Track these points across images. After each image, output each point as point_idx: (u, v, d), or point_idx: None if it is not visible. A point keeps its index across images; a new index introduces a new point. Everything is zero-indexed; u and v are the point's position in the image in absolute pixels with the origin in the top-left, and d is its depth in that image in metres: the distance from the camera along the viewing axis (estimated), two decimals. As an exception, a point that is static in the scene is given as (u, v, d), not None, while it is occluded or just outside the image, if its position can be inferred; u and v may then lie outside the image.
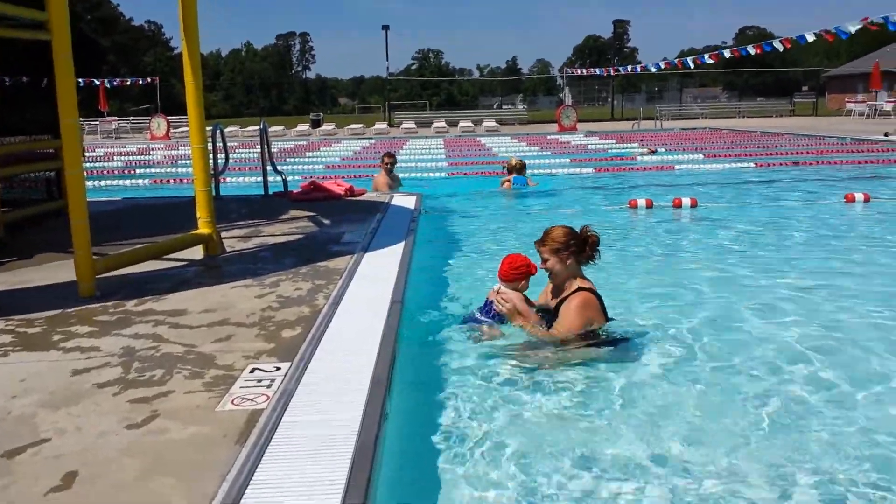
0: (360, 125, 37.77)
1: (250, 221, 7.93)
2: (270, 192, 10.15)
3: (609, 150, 20.40)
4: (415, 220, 7.75)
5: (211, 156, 8.78)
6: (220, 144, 10.00)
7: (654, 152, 18.15)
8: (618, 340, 4.35)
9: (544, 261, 4.32)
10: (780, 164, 15.50)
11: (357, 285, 5.02)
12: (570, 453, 3.14)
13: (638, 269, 6.63)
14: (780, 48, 23.32)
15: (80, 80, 33.58)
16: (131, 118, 44.96)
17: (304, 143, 27.33)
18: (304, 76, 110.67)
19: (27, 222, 7.47)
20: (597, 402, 3.66)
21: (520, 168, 11.75)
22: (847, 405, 3.63)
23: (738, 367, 4.15)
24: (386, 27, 43.65)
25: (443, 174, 15.51)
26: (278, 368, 3.43)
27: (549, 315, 4.39)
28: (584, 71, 55.10)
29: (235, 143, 23.12)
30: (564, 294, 4.27)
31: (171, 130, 34.28)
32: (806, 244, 7.75)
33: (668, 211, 9.72)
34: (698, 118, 40.88)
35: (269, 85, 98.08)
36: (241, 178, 14.68)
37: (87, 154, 18.45)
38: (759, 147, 19.79)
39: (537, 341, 4.25)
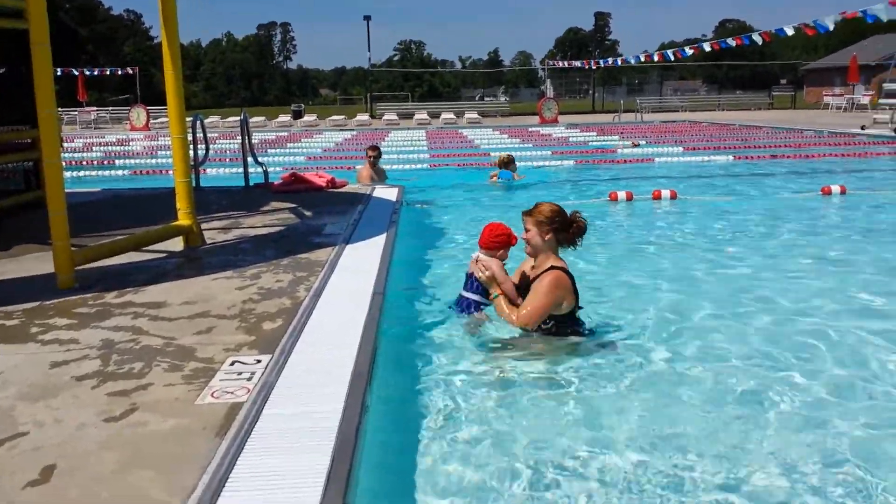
0: (342, 116, 37.53)
1: (231, 213, 7.88)
2: (251, 183, 10.08)
3: (590, 143, 20.46)
4: (396, 212, 7.75)
5: (191, 146, 8.74)
6: (200, 135, 9.93)
7: (637, 145, 18.24)
8: (597, 330, 4.41)
9: (526, 230, 4.36)
10: (759, 157, 15.66)
11: (338, 277, 5.02)
12: (553, 442, 3.17)
13: (614, 259, 6.69)
14: (760, 41, 23.43)
15: (59, 69, 33.12)
16: (110, 108, 44.41)
17: (286, 134, 27.14)
18: (285, 67, 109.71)
19: (4, 213, 7.37)
20: (580, 391, 3.69)
21: (507, 162, 12.03)
22: (817, 394, 3.69)
23: (717, 356, 4.20)
24: (368, 17, 43.40)
25: (425, 165, 15.49)
26: (259, 361, 3.43)
27: (523, 291, 4.43)
28: (566, 63, 55.02)
29: (216, 134, 22.95)
30: (538, 272, 4.31)
31: (151, 121, 33.88)
32: (782, 235, 7.87)
33: (649, 203, 9.80)
34: (678, 111, 41.09)
35: (250, 75, 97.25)
36: (221, 170, 14.56)
37: (65, 144, 18.21)
38: (737, 140, 20.01)
39: (521, 334, 4.27)
